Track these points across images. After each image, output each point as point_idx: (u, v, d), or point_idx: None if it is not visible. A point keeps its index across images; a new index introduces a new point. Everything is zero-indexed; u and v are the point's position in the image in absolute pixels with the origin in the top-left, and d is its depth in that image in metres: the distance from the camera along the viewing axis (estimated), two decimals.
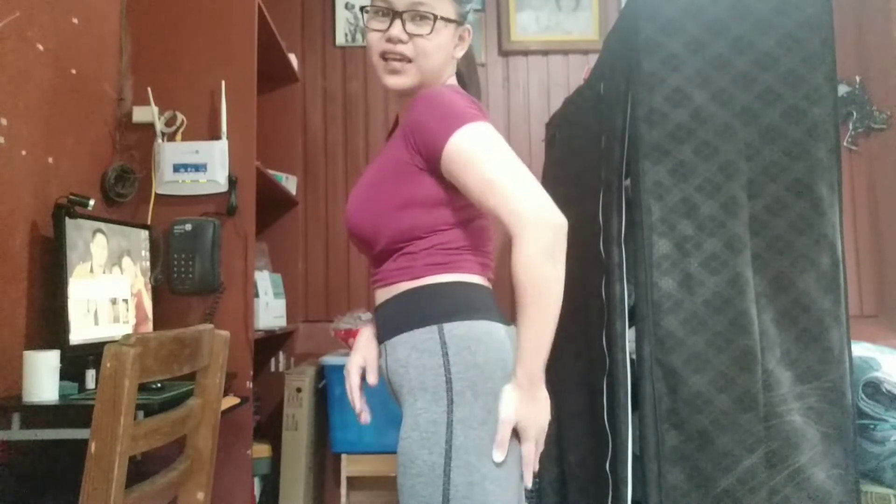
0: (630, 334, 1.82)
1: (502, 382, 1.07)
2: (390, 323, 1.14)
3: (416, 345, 1.08)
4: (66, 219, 1.68)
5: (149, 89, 2.14)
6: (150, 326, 2.05)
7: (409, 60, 1.15)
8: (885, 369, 2.07)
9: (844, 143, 3.11)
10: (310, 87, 3.15)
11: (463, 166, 1.05)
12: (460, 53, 1.22)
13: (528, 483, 1.10)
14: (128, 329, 1.92)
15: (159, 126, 2.14)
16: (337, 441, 2.57)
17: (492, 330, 1.10)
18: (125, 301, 1.92)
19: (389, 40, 1.15)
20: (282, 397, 2.63)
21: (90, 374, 1.72)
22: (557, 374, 2.39)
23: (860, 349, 2.16)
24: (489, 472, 1.03)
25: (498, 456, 1.03)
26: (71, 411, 1.54)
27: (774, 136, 1.74)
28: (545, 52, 3.21)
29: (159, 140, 2.14)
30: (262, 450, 2.56)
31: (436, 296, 1.11)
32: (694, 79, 1.74)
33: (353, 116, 3.15)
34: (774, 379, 1.67)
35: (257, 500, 2.51)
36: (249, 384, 2.12)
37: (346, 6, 3.17)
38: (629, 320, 1.82)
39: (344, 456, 2.57)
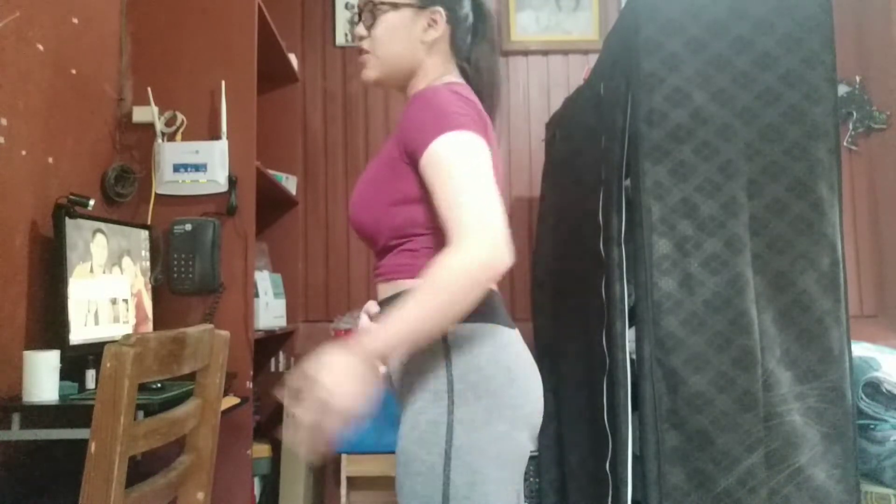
0: (630, 334, 1.82)
1: (505, 385, 1.06)
2: None
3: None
4: (66, 219, 1.68)
5: (149, 89, 2.14)
6: (150, 326, 2.05)
7: (367, 52, 1.22)
8: (885, 369, 2.07)
9: (844, 143, 3.11)
10: (310, 87, 3.15)
11: (435, 172, 1.02)
12: (431, 37, 1.20)
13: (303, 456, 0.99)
14: (128, 329, 1.92)
15: (159, 126, 2.14)
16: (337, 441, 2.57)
17: (496, 332, 1.10)
18: (125, 301, 1.92)
19: (356, 39, 1.24)
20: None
21: (90, 374, 1.73)
22: (558, 374, 2.39)
23: (860, 349, 2.17)
24: (490, 473, 1.02)
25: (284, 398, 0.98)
26: (71, 411, 1.54)
27: (774, 136, 1.74)
28: (545, 52, 3.20)
29: (159, 140, 2.14)
30: (262, 450, 2.56)
31: None
32: (694, 79, 1.74)
33: (353, 116, 3.15)
34: (774, 379, 1.67)
35: (257, 500, 2.51)
36: (249, 384, 2.12)
37: (346, 6, 3.17)
38: (629, 320, 1.82)
39: (344, 456, 2.57)
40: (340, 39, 3.16)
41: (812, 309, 1.70)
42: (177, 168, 2.12)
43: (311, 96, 3.15)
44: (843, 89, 3.10)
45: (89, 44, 2.02)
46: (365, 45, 1.22)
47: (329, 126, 3.15)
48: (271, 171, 2.62)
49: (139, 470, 1.70)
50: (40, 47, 1.78)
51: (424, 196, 1.07)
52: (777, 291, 1.71)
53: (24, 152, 1.70)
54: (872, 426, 2.00)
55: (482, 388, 1.05)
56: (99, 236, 1.82)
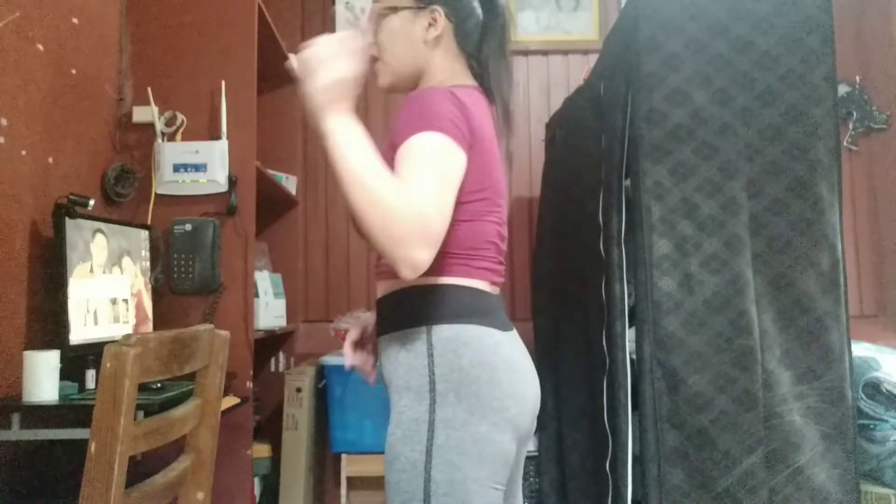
0: (630, 334, 1.82)
1: (487, 387, 1.07)
2: (384, 320, 1.17)
3: (405, 344, 1.11)
4: (66, 219, 1.68)
5: (149, 89, 2.14)
6: (150, 326, 2.05)
7: (377, 60, 1.24)
8: (885, 369, 2.07)
9: (844, 143, 3.11)
10: None
11: (401, 158, 1.02)
12: (432, 35, 1.20)
13: None
14: (128, 329, 1.92)
15: (159, 126, 2.14)
16: (337, 441, 2.57)
17: (481, 334, 1.10)
18: (125, 301, 1.92)
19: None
20: (282, 397, 2.63)
21: (90, 374, 1.72)
22: (558, 374, 2.39)
23: (860, 349, 2.17)
24: (471, 472, 1.04)
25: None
26: (71, 411, 1.54)
27: (774, 136, 1.74)
28: (545, 52, 3.20)
29: (159, 140, 2.14)
30: (262, 450, 2.56)
31: (428, 298, 1.11)
32: (694, 79, 1.74)
33: None
34: (774, 379, 1.67)
35: (257, 500, 2.51)
36: (249, 384, 2.12)
37: (346, 6, 3.17)
38: (629, 320, 1.82)
39: (344, 456, 2.57)
40: None
41: (812, 309, 1.70)
42: (177, 168, 2.12)
43: None
44: (843, 89, 3.10)
45: (89, 44, 2.02)
46: (373, 52, 1.23)
47: None
48: (271, 171, 2.62)
49: (139, 470, 1.70)
50: (40, 47, 1.78)
51: None
52: (777, 291, 1.71)
53: (24, 152, 1.70)
54: (872, 426, 2.00)
55: (464, 388, 1.06)
56: (99, 236, 1.82)
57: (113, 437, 1.06)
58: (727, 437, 1.64)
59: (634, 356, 1.79)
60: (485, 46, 1.24)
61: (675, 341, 1.68)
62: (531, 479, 2.63)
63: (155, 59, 2.20)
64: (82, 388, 1.70)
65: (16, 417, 1.49)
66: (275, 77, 2.93)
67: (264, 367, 2.86)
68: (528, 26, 3.19)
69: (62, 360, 1.60)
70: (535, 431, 2.06)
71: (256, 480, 2.48)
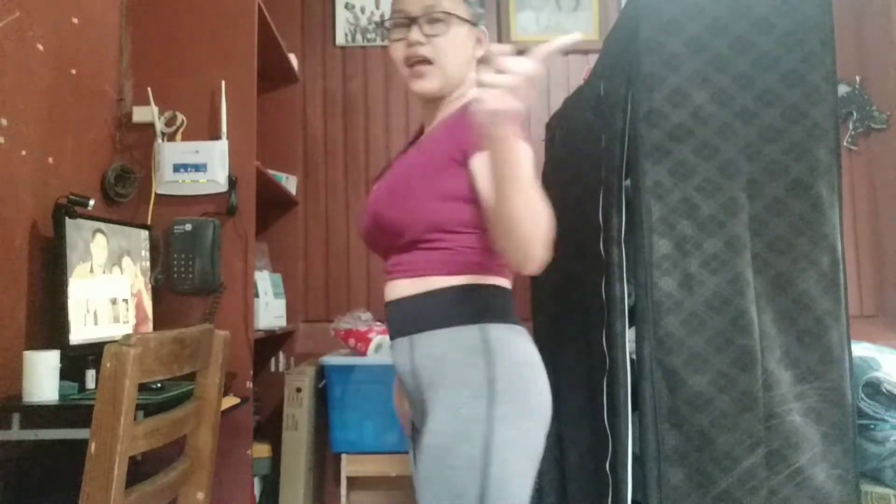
0: (630, 334, 1.82)
1: (532, 384, 1.11)
2: (424, 316, 1.15)
3: (458, 341, 1.12)
4: (66, 219, 1.68)
5: (149, 89, 2.14)
6: (150, 326, 2.05)
7: (431, 62, 1.20)
8: (885, 369, 2.07)
9: (844, 143, 3.11)
10: (310, 87, 3.15)
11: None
12: (480, 53, 1.26)
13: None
14: (128, 329, 1.92)
15: (159, 126, 2.14)
16: (337, 441, 2.57)
17: (522, 332, 1.16)
18: (125, 301, 1.92)
19: (410, 45, 1.20)
20: (282, 397, 2.63)
21: (90, 374, 1.72)
22: (558, 374, 2.39)
23: (860, 349, 2.16)
24: (521, 468, 1.07)
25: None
26: (71, 411, 1.54)
27: (774, 136, 1.74)
28: None
29: (159, 140, 2.14)
30: (262, 450, 2.56)
31: (478, 296, 1.15)
32: (694, 79, 1.74)
33: (353, 116, 3.15)
34: (774, 379, 1.67)
35: (257, 500, 2.51)
36: (249, 384, 2.12)
37: (346, 6, 3.17)
38: (629, 320, 1.82)
39: (344, 456, 2.57)
40: (340, 39, 3.16)
41: (812, 309, 1.70)
42: (177, 168, 2.12)
43: (311, 96, 3.15)
44: (843, 89, 3.10)
45: (89, 44, 2.02)
46: (426, 52, 1.20)
47: (329, 126, 3.15)
48: (271, 171, 2.62)
49: (139, 470, 1.70)
50: (40, 47, 1.78)
51: (473, 197, 1.12)
52: (777, 291, 1.71)
53: (24, 152, 1.70)
54: (872, 426, 2.00)
55: (517, 386, 1.10)
56: (99, 236, 1.82)
57: (113, 437, 1.06)
58: (727, 437, 1.64)
59: (634, 356, 1.79)
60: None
61: (675, 341, 1.68)
62: None
63: (155, 59, 2.20)
64: (82, 388, 1.70)
65: (16, 417, 1.49)
66: (275, 77, 2.93)
67: (264, 367, 2.86)
68: (528, 26, 3.19)
69: (62, 360, 1.60)
70: None
71: (256, 480, 2.48)
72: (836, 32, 1.78)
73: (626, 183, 1.84)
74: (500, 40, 3.18)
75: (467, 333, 1.12)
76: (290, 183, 2.90)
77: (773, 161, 1.73)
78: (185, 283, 2.07)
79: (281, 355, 2.89)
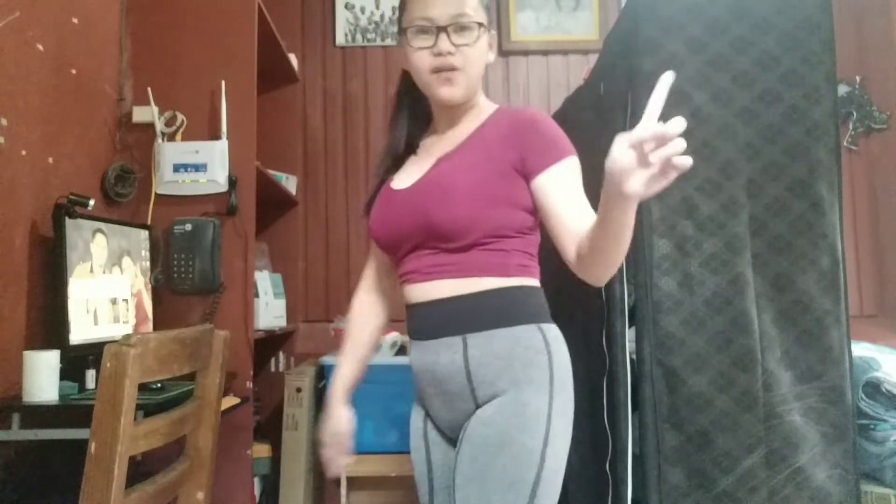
0: (630, 334, 1.82)
1: (571, 380, 1.22)
2: (481, 316, 1.17)
3: (520, 340, 1.16)
4: (66, 219, 1.68)
5: (149, 89, 2.14)
6: (150, 326, 2.05)
7: (458, 70, 1.21)
8: (885, 369, 2.07)
9: (844, 143, 3.11)
10: (310, 87, 3.15)
11: (562, 183, 1.16)
12: (491, 59, 1.29)
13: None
14: (128, 329, 1.92)
15: (159, 126, 2.14)
16: None
17: (559, 331, 1.23)
18: (125, 301, 1.92)
19: (439, 54, 1.20)
20: (282, 397, 2.63)
21: (90, 374, 1.72)
22: None
23: (860, 349, 2.16)
24: (564, 460, 1.17)
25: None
26: (71, 411, 1.54)
27: (774, 136, 1.74)
28: (545, 52, 3.21)
29: (159, 140, 2.14)
30: (262, 450, 2.56)
31: (531, 297, 1.21)
32: (694, 79, 1.74)
33: (353, 116, 3.15)
34: (774, 379, 1.67)
35: (257, 500, 2.51)
36: (249, 384, 2.12)
37: (346, 6, 3.17)
38: (629, 320, 1.82)
39: None
40: (340, 39, 3.16)
41: (812, 309, 1.70)
42: (177, 168, 2.12)
43: (311, 96, 3.15)
44: (843, 89, 3.10)
45: (89, 44, 2.02)
46: (456, 62, 1.20)
47: (329, 126, 3.15)
48: (271, 171, 2.62)
49: (139, 470, 1.70)
50: (40, 47, 1.78)
51: (528, 205, 1.19)
52: (777, 291, 1.71)
53: (24, 152, 1.70)
54: (872, 426, 2.00)
55: (565, 382, 1.20)
56: (99, 236, 1.82)
57: (113, 437, 1.06)
58: (727, 437, 1.64)
59: (634, 356, 1.79)
60: None
61: (675, 341, 1.68)
62: None
63: (155, 59, 2.20)
64: (82, 388, 1.70)
65: (16, 417, 1.49)
66: (275, 77, 2.93)
67: (264, 367, 2.86)
68: (528, 26, 3.19)
69: (62, 360, 1.60)
70: None
71: (256, 480, 2.48)
72: (836, 32, 1.78)
73: None
74: (500, 40, 3.18)
75: (529, 333, 1.17)
76: (290, 183, 2.90)
77: (773, 161, 1.73)
78: (185, 283, 2.07)
79: (281, 355, 2.89)
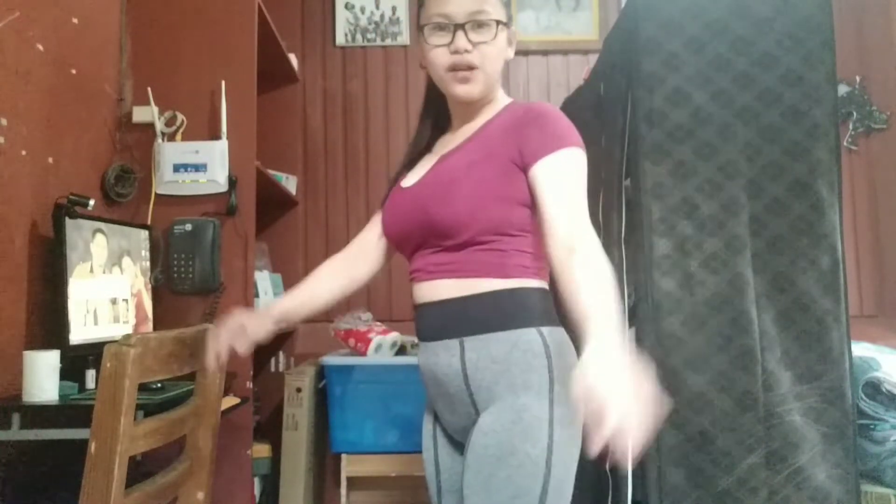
0: (630, 334, 1.82)
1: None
2: (478, 319, 1.15)
3: (517, 344, 1.12)
4: (66, 219, 1.68)
5: (149, 89, 2.14)
6: (150, 326, 2.04)
7: (476, 68, 1.19)
8: (885, 369, 2.07)
9: (844, 143, 3.11)
10: (310, 87, 3.15)
11: (551, 175, 1.11)
12: (511, 55, 1.26)
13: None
14: (128, 329, 1.92)
15: (159, 126, 2.14)
16: (337, 441, 2.57)
17: (566, 334, 1.18)
18: (125, 301, 1.92)
19: (456, 52, 1.18)
20: (282, 397, 2.62)
21: (90, 374, 1.72)
22: None
23: (860, 349, 2.16)
24: (572, 469, 1.13)
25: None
26: (71, 411, 1.54)
27: (774, 136, 1.74)
28: (545, 52, 3.20)
29: (159, 140, 2.14)
30: (262, 450, 2.56)
31: (532, 299, 1.16)
32: (694, 79, 1.74)
33: (353, 116, 3.15)
34: (774, 379, 1.67)
35: (257, 500, 2.51)
36: (249, 384, 2.12)
37: (346, 6, 3.17)
38: (629, 320, 1.82)
39: (344, 456, 2.57)
40: (340, 39, 3.16)
41: (812, 309, 1.70)
42: (177, 168, 2.12)
43: (311, 96, 3.15)
44: (843, 89, 3.10)
45: (89, 44, 2.02)
46: (474, 60, 1.18)
47: (329, 126, 3.15)
48: (271, 171, 2.62)
49: (139, 470, 1.70)
50: (40, 47, 1.78)
51: (529, 201, 1.14)
52: (777, 291, 1.71)
53: (24, 152, 1.70)
54: (872, 426, 2.00)
55: (570, 388, 1.09)
56: (99, 236, 1.82)
57: (113, 437, 1.06)
58: (727, 437, 1.64)
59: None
60: None
61: (675, 341, 1.68)
62: None
63: (155, 59, 2.20)
64: (82, 388, 1.70)
65: (16, 417, 1.49)
66: (275, 77, 2.93)
67: (264, 367, 2.86)
68: (527, 26, 3.19)
69: (62, 360, 1.60)
70: None
71: (256, 480, 2.48)
72: (836, 32, 1.78)
73: (626, 183, 1.84)
74: None
75: (528, 336, 1.13)
76: (290, 183, 2.90)
77: (773, 161, 1.73)
78: (185, 283, 2.07)
79: (281, 355, 2.89)
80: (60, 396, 1.57)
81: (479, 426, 1.12)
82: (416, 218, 1.20)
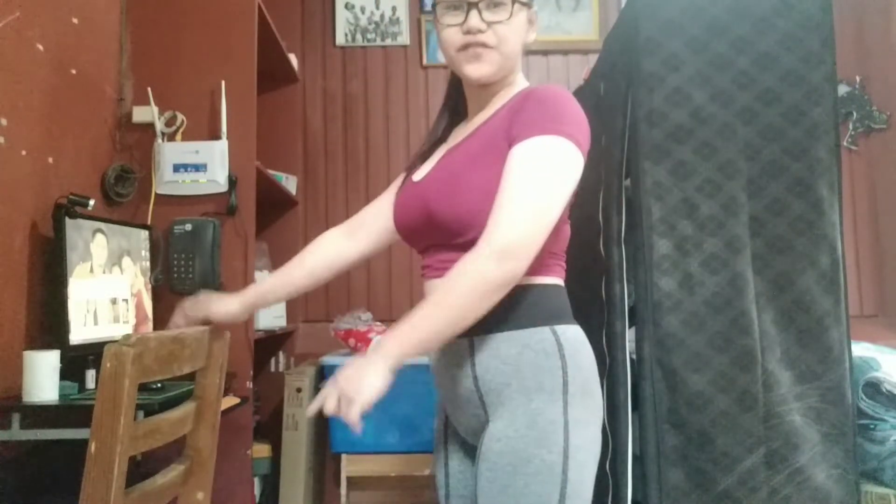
0: (630, 334, 1.82)
1: (596, 386, 1.12)
2: (487, 318, 1.06)
3: (529, 344, 1.09)
4: (66, 219, 1.68)
5: (149, 89, 2.14)
6: (150, 326, 2.04)
7: (490, 48, 1.14)
8: (885, 369, 2.06)
9: (844, 143, 3.11)
10: (310, 87, 3.15)
11: (516, 161, 1.05)
12: (532, 38, 1.21)
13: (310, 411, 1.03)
14: (128, 329, 1.92)
15: (159, 126, 2.14)
16: (337, 441, 2.57)
17: (582, 332, 1.16)
18: (125, 301, 1.92)
19: (469, 32, 1.13)
20: (282, 397, 2.63)
21: (90, 374, 1.72)
22: None
23: (860, 349, 2.16)
24: (591, 471, 1.09)
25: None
26: (71, 411, 1.54)
27: (774, 136, 1.74)
28: (545, 52, 3.20)
29: (159, 140, 2.14)
30: (262, 450, 2.56)
31: (544, 297, 1.13)
32: (694, 79, 1.74)
33: (353, 116, 3.15)
34: (774, 379, 1.67)
35: (257, 500, 2.51)
36: (249, 384, 2.12)
37: (346, 6, 3.17)
38: (629, 320, 1.82)
39: (344, 456, 2.57)
40: (340, 39, 3.16)
41: (812, 309, 1.70)
42: (177, 168, 2.12)
43: (311, 96, 3.15)
44: (843, 89, 3.10)
45: (89, 44, 2.02)
46: (487, 39, 1.13)
47: (329, 126, 3.15)
48: (271, 171, 2.62)
49: (139, 470, 1.70)
50: (40, 47, 1.78)
51: None
52: (777, 291, 1.71)
53: (24, 152, 1.70)
54: (872, 426, 2.00)
55: (586, 388, 1.10)
56: (99, 236, 1.82)
57: (113, 437, 1.06)
58: (727, 437, 1.64)
59: (634, 356, 1.79)
60: None
61: (675, 341, 1.68)
62: None
63: (155, 59, 2.20)
64: (82, 388, 1.70)
65: (16, 417, 1.49)
66: (275, 77, 2.93)
67: (264, 367, 2.86)
68: None
69: (62, 360, 1.60)
70: None
71: (256, 480, 2.48)
72: (836, 32, 1.78)
73: (626, 183, 1.84)
74: None
75: (540, 336, 1.09)
76: (290, 183, 2.90)
77: (773, 161, 1.73)
78: (185, 283, 2.07)
79: (281, 355, 2.89)
80: (60, 396, 1.57)
81: (491, 433, 1.08)
82: (419, 214, 1.17)
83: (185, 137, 2.15)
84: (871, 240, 3.13)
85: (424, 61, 3.15)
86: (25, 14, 1.71)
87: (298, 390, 2.58)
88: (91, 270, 1.77)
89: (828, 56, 1.75)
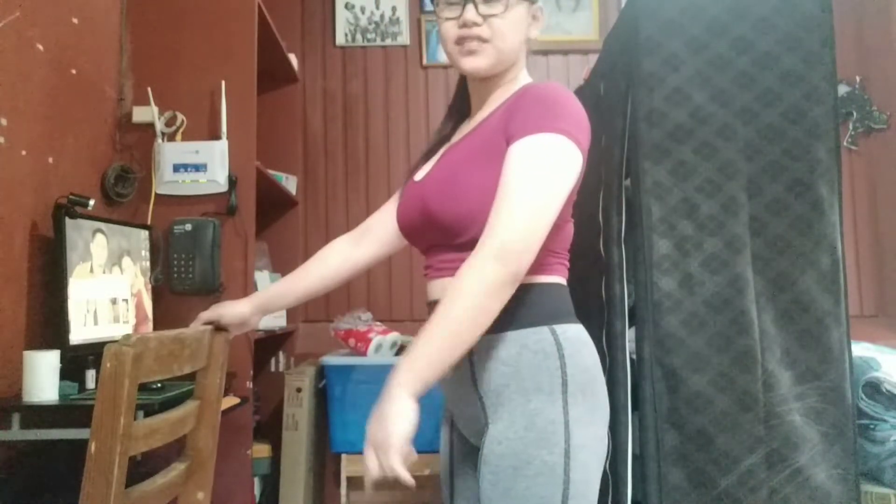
0: (630, 334, 1.82)
1: (600, 385, 1.11)
2: None
3: (528, 345, 1.08)
4: (66, 219, 1.68)
5: (149, 89, 2.14)
6: (150, 326, 2.04)
7: (486, 41, 1.13)
8: (885, 369, 2.07)
9: (844, 143, 3.11)
10: (310, 87, 3.15)
11: (514, 160, 1.04)
12: (535, 33, 1.20)
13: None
14: (128, 329, 1.92)
15: (159, 126, 2.14)
16: (337, 441, 2.57)
17: (584, 331, 1.15)
18: (125, 301, 1.92)
19: (464, 25, 1.13)
20: (282, 397, 2.63)
21: (90, 374, 1.72)
22: None
23: (860, 349, 2.16)
24: (596, 470, 1.07)
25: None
26: (71, 411, 1.54)
27: (774, 136, 1.74)
28: (545, 52, 3.20)
29: (159, 140, 2.14)
30: (262, 450, 2.56)
31: (544, 296, 1.12)
32: (694, 79, 1.74)
33: (353, 116, 3.15)
34: (774, 379, 1.67)
35: (257, 500, 2.51)
36: (249, 384, 2.12)
37: (346, 6, 3.17)
38: (629, 320, 1.82)
39: (344, 456, 2.57)
40: (340, 39, 3.16)
41: (812, 309, 1.70)
42: (177, 168, 2.12)
43: (311, 96, 3.15)
44: (843, 89, 3.10)
45: (89, 44, 2.02)
46: (483, 33, 1.12)
47: (329, 126, 3.15)
48: (271, 171, 2.62)
49: (139, 470, 1.70)
50: (40, 47, 1.78)
51: None
52: (777, 291, 1.71)
53: (24, 152, 1.70)
54: (872, 426, 2.00)
55: (588, 388, 1.08)
56: (99, 236, 1.82)
57: (113, 437, 1.06)
58: (727, 437, 1.64)
59: (634, 356, 1.79)
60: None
61: (675, 341, 1.68)
62: None
63: (155, 59, 2.20)
64: (82, 388, 1.70)
65: (16, 417, 1.49)
66: (275, 77, 2.93)
67: (264, 367, 2.86)
68: None
69: (62, 360, 1.60)
70: None
71: (256, 480, 2.48)
72: (836, 32, 1.78)
73: (626, 183, 1.84)
74: None
75: (539, 336, 1.08)
76: (290, 183, 2.90)
77: (773, 161, 1.73)
78: (185, 283, 2.07)
79: (281, 355, 2.89)
80: (60, 396, 1.57)
81: (491, 435, 1.07)
82: (418, 215, 1.17)
83: (185, 137, 2.15)
84: (871, 240, 3.13)
85: (424, 61, 3.15)
86: (25, 14, 1.71)
87: (298, 390, 2.58)
88: (91, 270, 1.77)
89: (828, 56, 1.75)
